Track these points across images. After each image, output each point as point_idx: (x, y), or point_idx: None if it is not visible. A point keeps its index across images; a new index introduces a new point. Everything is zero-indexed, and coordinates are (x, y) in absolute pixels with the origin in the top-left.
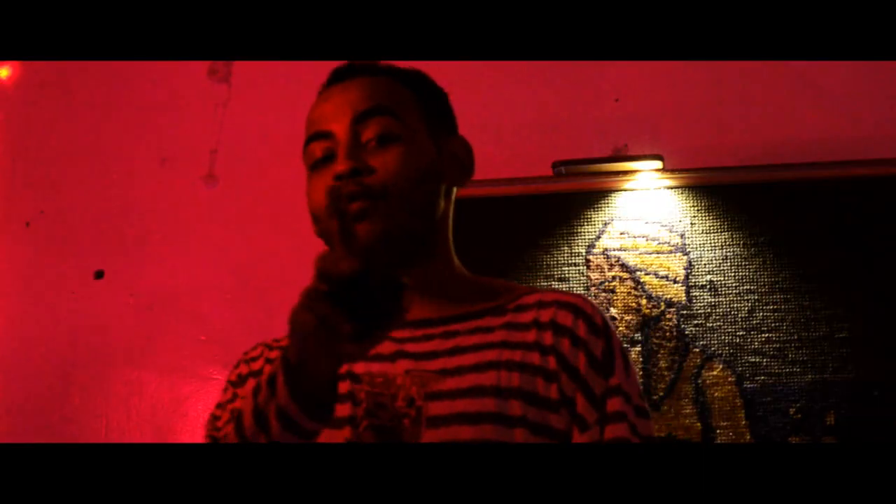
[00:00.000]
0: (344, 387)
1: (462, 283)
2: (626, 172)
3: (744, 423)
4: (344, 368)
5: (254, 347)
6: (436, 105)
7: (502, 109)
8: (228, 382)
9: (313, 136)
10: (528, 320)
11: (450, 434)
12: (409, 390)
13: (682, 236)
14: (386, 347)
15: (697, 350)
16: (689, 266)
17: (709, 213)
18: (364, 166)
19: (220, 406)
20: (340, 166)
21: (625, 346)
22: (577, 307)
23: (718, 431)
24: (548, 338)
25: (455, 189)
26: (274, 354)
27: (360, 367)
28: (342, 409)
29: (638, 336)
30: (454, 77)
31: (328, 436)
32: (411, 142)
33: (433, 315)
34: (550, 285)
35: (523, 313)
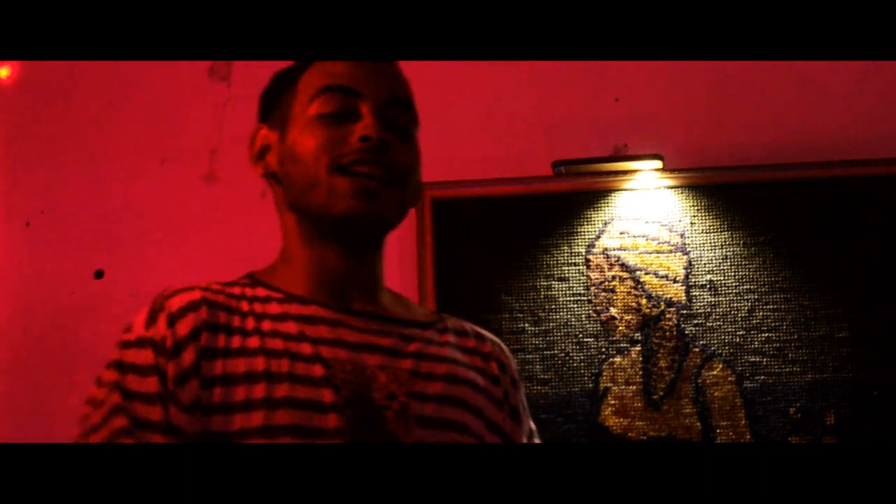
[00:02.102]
0: (318, 370)
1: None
2: (626, 172)
3: (744, 422)
4: (310, 349)
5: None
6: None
7: (502, 109)
8: (112, 384)
9: (337, 88)
10: (470, 346)
11: (440, 438)
12: (388, 385)
13: (682, 236)
14: (347, 335)
15: (697, 350)
16: (689, 266)
17: (709, 213)
18: (392, 145)
19: (96, 404)
20: (374, 132)
21: (624, 345)
22: (503, 346)
23: (718, 431)
24: (494, 369)
25: None
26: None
27: (327, 352)
28: (324, 394)
29: (638, 336)
30: (455, 77)
31: (313, 419)
32: (417, 144)
33: (380, 311)
34: (550, 285)
35: (463, 338)
